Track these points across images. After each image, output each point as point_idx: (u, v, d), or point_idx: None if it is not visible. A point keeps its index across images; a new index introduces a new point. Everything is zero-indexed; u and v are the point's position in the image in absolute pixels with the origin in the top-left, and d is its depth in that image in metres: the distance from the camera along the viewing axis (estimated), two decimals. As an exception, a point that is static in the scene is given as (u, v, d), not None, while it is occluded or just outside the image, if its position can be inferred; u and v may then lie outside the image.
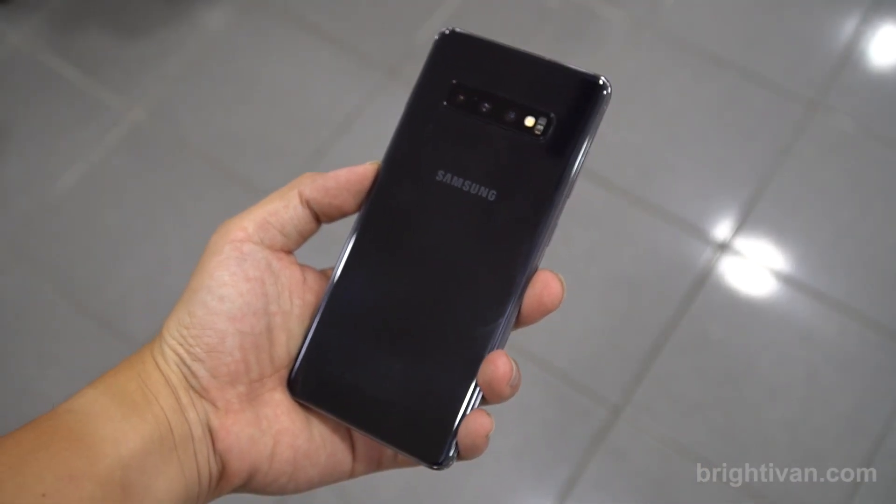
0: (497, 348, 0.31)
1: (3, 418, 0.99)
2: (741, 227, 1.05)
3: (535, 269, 0.31)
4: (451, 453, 0.30)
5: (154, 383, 0.30)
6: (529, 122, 0.32)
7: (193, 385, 0.30)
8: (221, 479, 0.31)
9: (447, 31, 0.34)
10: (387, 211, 0.33)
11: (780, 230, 1.05)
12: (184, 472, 0.29)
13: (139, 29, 1.30)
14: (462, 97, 0.33)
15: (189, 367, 0.30)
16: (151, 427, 0.29)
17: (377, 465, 0.33)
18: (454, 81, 0.33)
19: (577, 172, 0.31)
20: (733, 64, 1.17)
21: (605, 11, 1.23)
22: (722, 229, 1.05)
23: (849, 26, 1.18)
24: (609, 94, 0.31)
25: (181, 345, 0.30)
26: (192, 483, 0.30)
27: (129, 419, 0.28)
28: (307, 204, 0.32)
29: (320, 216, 0.33)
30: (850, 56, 1.16)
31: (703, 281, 1.02)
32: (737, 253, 1.04)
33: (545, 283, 0.31)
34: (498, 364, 0.30)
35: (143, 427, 0.29)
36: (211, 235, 0.32)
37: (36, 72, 1.27)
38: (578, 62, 0.32)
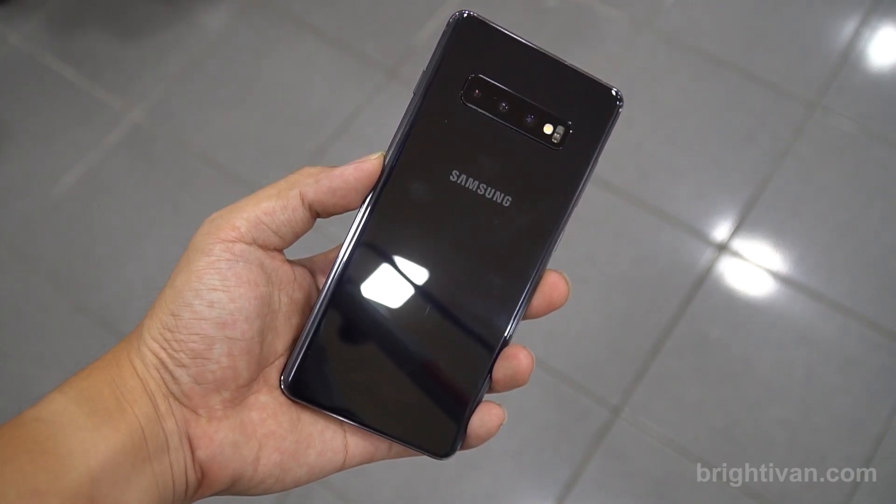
0: (508, 343, 0.32)
1: (3, 418, 0.99)
2: (740, 227, 1.05)
3: (544, 271, 0.33)
4: (458, 444, 0.32)
5: (130, 390, 0.28)
6: (548, 129, 0.32)
7: (174, 391, 0.29)
8: (200, 487, 0.29)
9: (464, 15, 0.31)
10: (397, 208, 0.31)
11: (779, 231, 1.05)
12: (157, 483, 0.28)
13: (139, 29, 1.30)
14: (480, 93, 0.31)
15: (171, 373, 0.28)
16: (124, 437, 0.27)
17: (370, 457, 0.32)
18: (474, 75, 0.31)
19: (588, 182, 0.33)
20: (733, 64, 1.17)
21: (604, 11, 1.23)
22: (721, 230, 1.05)
23: (848, 27, 1.18)
24: (622, 107, 0.32)
25: (163, 348, 0.29)
26: (167, 494, 0.28)
27: (100, 429, 0.27)
28: (310, 206, 0.30)
29: (321, 213, 0.31)
30: (850, 57, 1.16)
31: (703, 281, 1.02)
32: (736, 253, 1.04)
33: (553, 285, 0.32)
34: (520, 357, 0.31)
35: (115, 437, 0.27)
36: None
37: (36, 72, 1.27)
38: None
